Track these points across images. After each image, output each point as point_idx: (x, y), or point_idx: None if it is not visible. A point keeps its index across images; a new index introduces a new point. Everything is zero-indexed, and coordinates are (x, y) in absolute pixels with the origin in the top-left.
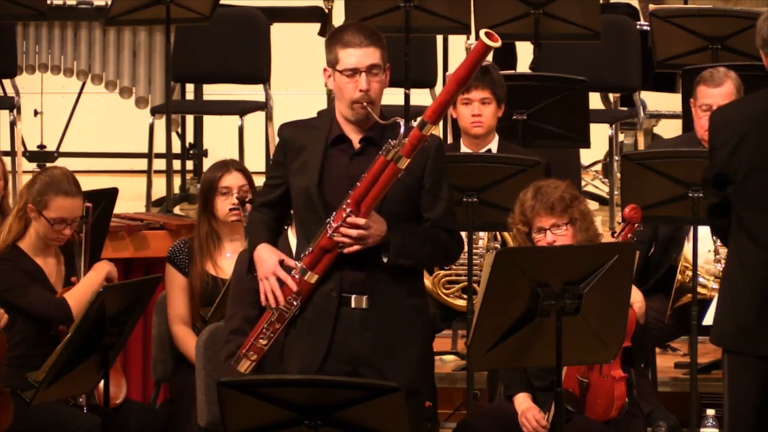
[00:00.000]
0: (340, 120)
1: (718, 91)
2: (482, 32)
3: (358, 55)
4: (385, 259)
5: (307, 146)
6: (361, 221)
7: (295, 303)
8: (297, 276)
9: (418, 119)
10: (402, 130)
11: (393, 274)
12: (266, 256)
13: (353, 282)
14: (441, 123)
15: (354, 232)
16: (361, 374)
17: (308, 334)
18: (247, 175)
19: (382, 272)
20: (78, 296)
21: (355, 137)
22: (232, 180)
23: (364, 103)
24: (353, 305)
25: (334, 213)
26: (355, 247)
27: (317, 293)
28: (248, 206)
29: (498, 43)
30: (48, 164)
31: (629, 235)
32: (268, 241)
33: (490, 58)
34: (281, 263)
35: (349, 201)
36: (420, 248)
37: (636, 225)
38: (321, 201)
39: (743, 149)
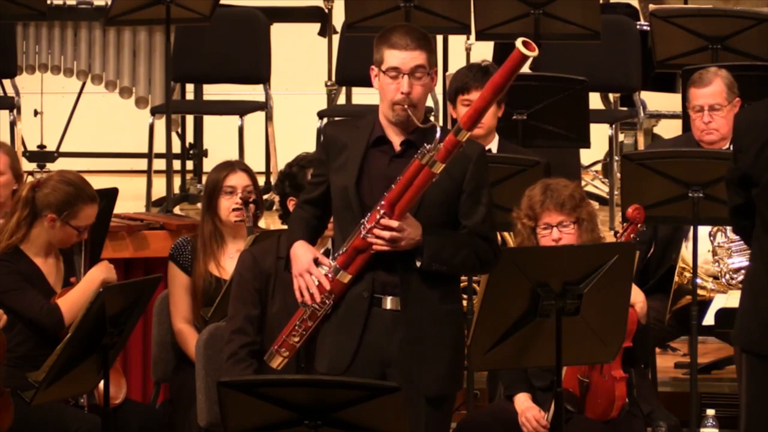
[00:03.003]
0: (382, 121)
1: (707, 91)
2: (519, 41)
3: (402, 57)
4: (418, 264)
5: (349, 145)
6: (395, 224)
7: (327, 302)
8: (330, 275)
9: (455, 125)
10: (438, 134)
11: (427, 278)
12: (301, 253)
13: (386, 283)
14: (441, 123)
15: (387, 234)
16: (388, 376)
17: (338, 333)
18: (252, 175)
19: (416, 275)
20: (71, 302)
21: (396, 139)
22: (237, 180)
23: (405, 106)
24: (388, 306)
25: (369, 214)
26: (386, 248)
27: (349, 293)
28: (251, 207)
29: (535, 53)
30: (48, 165)
31: (632, 236)
32: (305, 238)
33: (489, 57)
34: (315, 261)
35: (383, 203)
36: (455, 254)
37: (639, 225)
38: (358, 200)
39: None
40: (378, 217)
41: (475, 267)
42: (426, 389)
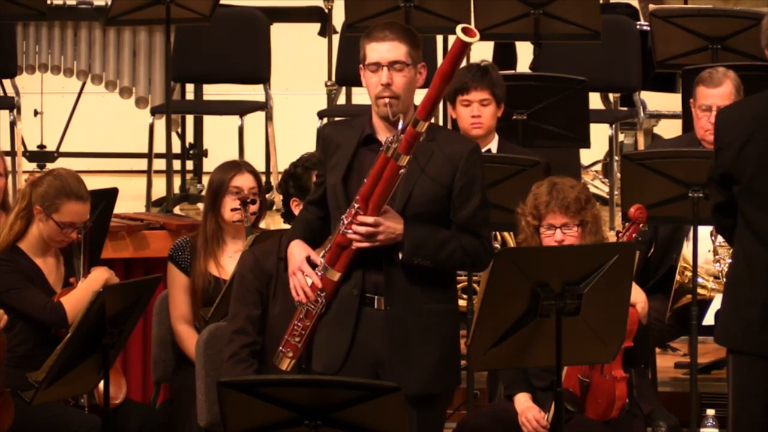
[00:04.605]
0: (374, 119)
1: (717, 91)
2: (458, 28)
3: (381, 50)
4: (400, 256)
5: (342, 145)
6: (370, 219)
7: (320, 300)
8: (320, 273)
9: (413, 117)
10: (399, 127)
11: (414, 277)
12: (296, 251)
13: (376, 283)
14: (441, 123)
15: (363, 230)
16: (380, 376)
17: (331, 333)
18: (258, 177)
19: (402, 274)
20: (74, 301)
21: (384, 137)
22: (244, 181)
23: (387, 99)
24: (378, 306)
25: (347, 210)
26: (365, 243)
27: (341, 292)
28: (251, 207)
29: (476, 38)
30: (49, 165)
31: (634, 235)
32: (302, 238)
33: (489, 57)
34: (308, 260)
35: (357, 198)
36: (439, 249)
37: (641, 225)
38: (345, 198)
39: (750, 149)
40: (353, 212)
41: (464, 263)
42: (408, 388)
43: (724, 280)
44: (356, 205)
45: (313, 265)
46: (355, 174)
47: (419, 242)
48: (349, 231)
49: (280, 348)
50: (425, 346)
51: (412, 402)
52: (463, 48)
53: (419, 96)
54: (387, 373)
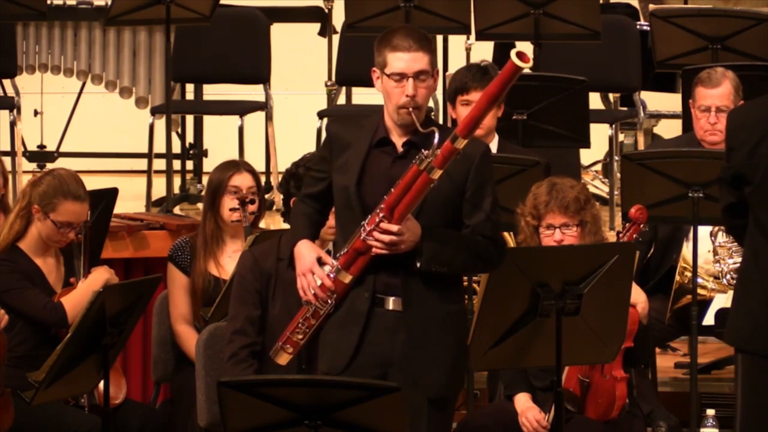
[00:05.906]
0: (387, 122)
1: (716, 92)
2: (513, 53)
3: (406, 60)
4: (417, 265)
5: (352, 144)
6: (395, 228)
7: (330, 301)
8: (332, 275)
9: (452, 133)
10: (436, 140)
11: (429, 279)
12: (305, 252)
13: (388, 284)
14: (441, 122)
15: (387, 238)
16: (390, 377)
17: (339, 333)
18: (256, 176)
19: (418, 276)
20: (74, 301)
21: (399, 140)
22: (242, 180)
23: (410, 109)
24: (390, 307)
25: (369, 216)
26: (385, 251)
27: (351, 293)
28: (249, 206)
29: (529, 64)
30: (48, 165)
31: (635, 236)
32: (308, 236)
33: (489, 57)
34: (319, 260)
35: (382, 206)
36: (455, 256)
37: (641, 225)
38: (358, 201)
39: (762, 150)
40: (377, 220)
41: (477, 267)
42: (429, 390)
43: (724, 279)
44: (381, 214)
45: (322, 264)
46: (367, 176)
47: (437, 251)
48: (371, 238)
49: (280, 343)
50: (442, 347)
51: (430, 403)
52: (516, 72)
53: None
54: (402, 375)
